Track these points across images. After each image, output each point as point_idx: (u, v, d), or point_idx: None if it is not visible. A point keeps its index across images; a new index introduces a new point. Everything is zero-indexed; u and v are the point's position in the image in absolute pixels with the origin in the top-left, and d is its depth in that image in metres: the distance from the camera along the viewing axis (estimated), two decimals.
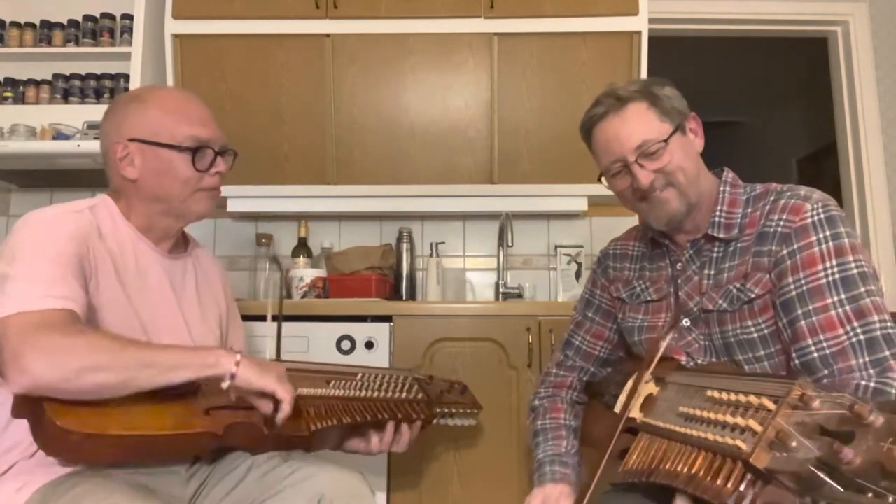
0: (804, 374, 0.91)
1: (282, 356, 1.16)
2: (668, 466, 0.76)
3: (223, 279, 1.31)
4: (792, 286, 0.95)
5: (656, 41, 2.13)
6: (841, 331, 0.90)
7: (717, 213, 1.06)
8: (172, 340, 1.06)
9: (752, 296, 0.99)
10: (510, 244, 2.14)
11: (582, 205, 2.17)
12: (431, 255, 2.24)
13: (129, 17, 2.14)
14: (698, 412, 0.78)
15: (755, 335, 1.00)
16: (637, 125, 1.03)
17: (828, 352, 0.91)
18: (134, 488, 0.91)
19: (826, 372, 0.91)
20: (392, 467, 1.68)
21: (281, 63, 2.11)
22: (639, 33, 2.07)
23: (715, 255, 1.06)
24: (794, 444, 0.59)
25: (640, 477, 0.81)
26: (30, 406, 0.85)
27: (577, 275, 2.23)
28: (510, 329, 1.74)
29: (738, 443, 0.67)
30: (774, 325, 0.98)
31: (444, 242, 2.32)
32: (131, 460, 0.96)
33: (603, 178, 1.12)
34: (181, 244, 1.21)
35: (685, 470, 0.73)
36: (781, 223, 0.99)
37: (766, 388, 0.70)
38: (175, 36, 2.10)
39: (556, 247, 2.28)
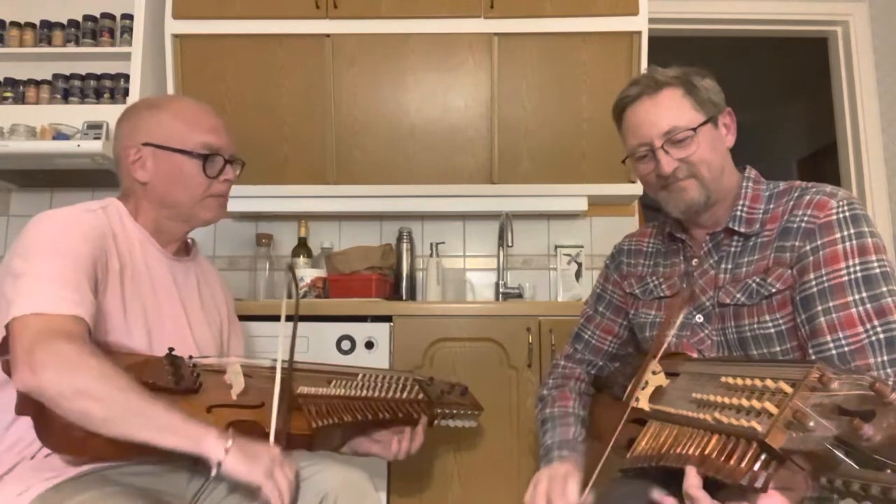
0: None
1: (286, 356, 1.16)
2: (678, 450, 0.77)
3: (224, 289, 1.33)
4: (813, 282, 0.95)
5: (656, 41, 2.13)
6: (860, 329, 0.90)
7: (739, 207, 1.06)
8: (175, 341, 1.07)
9: (773, 290, 0.99)
10: (510, 244, 2.14)
11: (582, 205, 2.17)
12: (431, 255, 2.24)
13: (129, 17, 2.15)
14: (712, 398, 0.78)
15: (772, 330, 0.99)
16: (668, 111, 1.03)
17: (846, 349, 0.90)
18: (134, 493, 0.91)
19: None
20: (392, 468, 1.68)
21: (281, 63, 2.11)
22: (639, 33, 2.07)
23: (733, 249, 1.06)
24: (811, 423, 0.60)
25: (650, 462, 0.81)
26: (33, 403, 0.86)
27: (577, 275, 2.23)
28: (510, 329, 1.74)
29: (754, 424, 0.67)
30: (792, 321, 0.98)
31: (444, 242, 2.32)
32: (133, 457, 0.96)
33: (628, 161, 1.11)
34: (184, 249, 1.22)
35: (697, 452, 0.74)
36: (806, 218, 0.98)
37: (783, 373, 0.71)
38: (175, 36, 2.10)
39: (556, 247, 2.28)
